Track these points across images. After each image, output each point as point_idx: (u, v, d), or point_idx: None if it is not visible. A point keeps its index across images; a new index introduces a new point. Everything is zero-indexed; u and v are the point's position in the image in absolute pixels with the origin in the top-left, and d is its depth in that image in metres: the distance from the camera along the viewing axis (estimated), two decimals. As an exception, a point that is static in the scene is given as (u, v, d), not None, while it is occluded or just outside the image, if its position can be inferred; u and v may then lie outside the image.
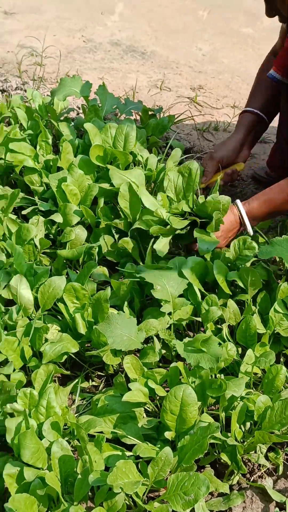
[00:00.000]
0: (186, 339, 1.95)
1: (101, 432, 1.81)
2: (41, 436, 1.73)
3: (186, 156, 3.19)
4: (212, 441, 1.75)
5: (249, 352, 2.00)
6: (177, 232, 2.30)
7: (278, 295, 2.17)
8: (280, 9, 2.37)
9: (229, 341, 2.09)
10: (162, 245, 2.29)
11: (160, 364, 2.11)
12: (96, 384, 2.12)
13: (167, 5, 5.16)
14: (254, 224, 2.47)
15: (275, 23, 2.63)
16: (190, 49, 4.57)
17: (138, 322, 2.15)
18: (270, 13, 2.39)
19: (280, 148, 2.90)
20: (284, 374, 1.90)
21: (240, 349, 2.11)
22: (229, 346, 1.96)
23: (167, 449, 1.64)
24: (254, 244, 2.28)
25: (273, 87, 2.75)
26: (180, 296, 2.17)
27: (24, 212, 2.58)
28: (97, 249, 2.41)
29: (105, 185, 2.55)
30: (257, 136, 2.81)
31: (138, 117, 3.28)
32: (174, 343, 2.05)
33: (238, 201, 2.43)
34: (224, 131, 3.52)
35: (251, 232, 2.44)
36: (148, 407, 1.94)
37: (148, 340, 2.16)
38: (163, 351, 2.14)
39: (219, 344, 1.92)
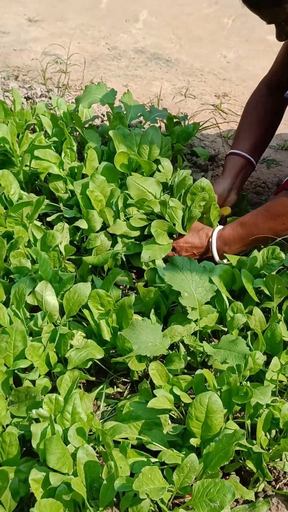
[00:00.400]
0: (212, 344, 1.95)
1: (126, 438, 1.82)
2: (66, 442, 1.74)
3: (211, 162, 3.20)
4: (237, 448, 1.75)
5: (275, 359, 1.99)
6: None
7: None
8: None
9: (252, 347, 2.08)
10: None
11: (186, 371, 2.11)
12: (121, 391, 2.12)
13: (191, 12, 5.17)
14: (228, 251, 2.41)
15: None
16: (215, 57, 4.57)
17: (163, 329, 2.15)
18: (280, 37, 2.35)
19: None
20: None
21: (265, 357, 2.10)
22: (257, 355, 1.95)
23: (193, 455, 1.64)
24: (282, 254, 2.27)
25: (264, 123, 2.72)
26: (207, 303, 2.17)
27: (49, 219, 2.59)
28: (122, 255, 2.41)
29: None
30: (245, 177, 2.73)
31: (163, 125, 3.28)
32: (200, 349, 2.05)
33: (219, 226, 2.45)
34: (248, 138, 3.51)
35: (217, 259, 2.42)
36: (173, 414, 1.94)
37: (173, 346, 2.16)
38: (189, 358, 2.14)
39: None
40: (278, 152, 3.48)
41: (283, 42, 2.67)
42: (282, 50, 2.76)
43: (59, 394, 1.90)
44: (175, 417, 1.95)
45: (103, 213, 2.48)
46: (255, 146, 2.69)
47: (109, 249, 2.43)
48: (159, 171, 2.67)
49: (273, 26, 2.32)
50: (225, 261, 2.40)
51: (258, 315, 2.18)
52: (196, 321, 2.13)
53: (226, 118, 3.76)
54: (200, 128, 3.42)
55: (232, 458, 1.66)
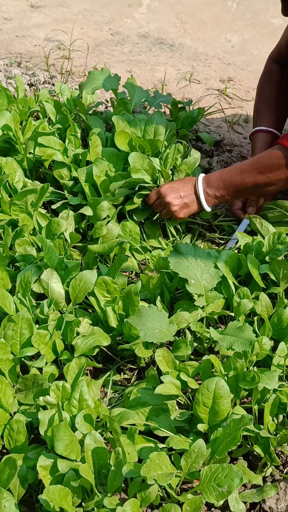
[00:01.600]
0: (219, 330, 1.95)
1: (134, 425, 1.82)
2: (74, 429, 1.74)
3: (216, 148, 3.18)
4: (245, 433, 1.75)
5: (282, 345, 1.99)
6: None
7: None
8: None
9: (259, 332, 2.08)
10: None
11: (192, 357, 2.11)
12: (128, 377, 2.12)
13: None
14: (211, 194, 2.48)
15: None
16: (219, 41, 4.54)
17: (169, 315, 2.15)
18: (286, 11, 2.33)
19: None
20: None
21: (272, 342, 2.10)
22: (264, 340, 1.94)
23: (200, 441, 1.64)
24: None
25: (281, 98, 2.70)
26: (213, 289, 2.16)
27: (54, 207, 2.59)
28: (128, 245, 2.41)
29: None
30: None
31: (168, 110, 3.26)
32: (206, 335, 2.05)
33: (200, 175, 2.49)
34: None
35: (203, 201, 2.47)
36: (180, 400, 1.94)
37: (179, 333, 2.16)
38: (195, 344, 2.14)
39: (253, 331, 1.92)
40: None
41: None
42: None
43: (66, 381, 1.90)
44: (182, 403, 1.95)
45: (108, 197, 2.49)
46: (277, 120, 2.70)
47: (116, 237, 2.42)
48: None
49: (278, 8, 2.29)
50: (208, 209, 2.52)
51: (264, 301, 2.18)
52: (202, 307, 2.13)
53: (231, 103, 3.74)
54: (205, 113, 3.40)
55: (239, 443, 1.67)
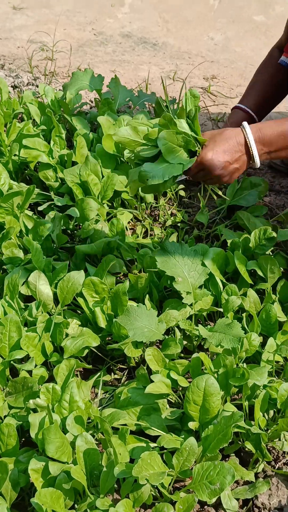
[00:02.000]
0: (208, 327, 1.95)
1: (125, 425, 1.82)
2: (65, 431, 1.74)
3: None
4: (236, 430, 1.75)
5: (270, 340, 1.99)
6: None
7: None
8: None
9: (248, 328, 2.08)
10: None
11: (182, 355, 2.11)
12: (118, 377, 2.12)
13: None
14: (268, 155, 2.20)
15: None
16: (202, 39, 4.54)
17: (159, 314, 2.15)
18: None
19: None
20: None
21: (261, 338, 2.10)
22: (253, 337, 1.94)
23: (192, 439, 1.64)
24: (274, 233, 2.26)
25: (273, 83, 2.65)
26: (201, 286, 2.16)
27: (40, 208, 2.58)
28: (116, 244, 2.40)
29: (122, 178, 2.55)
30: None
31: (152, 109, 3.26)
32: (196, 333, 2.05)
33: (245, 123, 2.15)
34: (238, 119, 3.49)
35: (258, 163, 2.18)
36: (171, 398, 1.94)
37: (169, 331, 2.16)
38: (185, 342, 2.14)
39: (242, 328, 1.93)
40: None
41: None
42: None
43: (56, 383, 1.89)
44: (173, 402, 1.95)
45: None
46: (260, 103, 2.61)
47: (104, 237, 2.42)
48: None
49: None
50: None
51: (252, 297, 2.18)
52: (191, 305, 2.13)
53: (215, 100, 3.74)
54: (189, 111, 3.40)
55: (231, 440, 1.66)
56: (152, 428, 1.82)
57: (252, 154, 2.14)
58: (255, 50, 4.32)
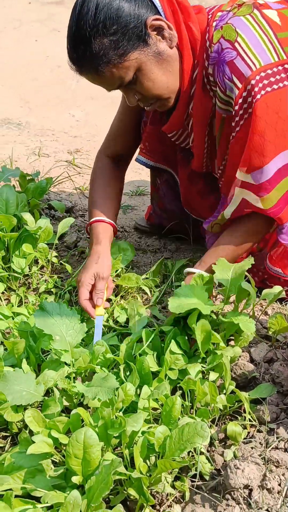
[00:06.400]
0: (87, 383, 2.01)
1: (10, 489, 1.82)
2: None
3: (69, 214, 3.30)
4: (117, 477, 1.80)
5: (145, 388, 2.07)
6: None
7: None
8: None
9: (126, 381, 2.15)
10: None
11: (64, 414, 2.14)
12: (2, 445, 2.11)
13: (37, 77, 5.34)
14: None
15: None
16: (64, 116, 4.74)
17: (37, 376, 2.18)
18: (131, 99, 2.35)
19: (155, 213, 3.05)
20: (180, 405, 1.97)
21: (139, 390, 2.17)
22: (128, 387, 2.02)
23: (75, 491, 1.67)
24: None
25: (115, 189, 2.81)
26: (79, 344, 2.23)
27: None
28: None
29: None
30: None
31: (18, 184, 3.36)
32: (75, 391, 2.10)
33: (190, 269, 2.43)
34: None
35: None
36: (55, 458, 1.96)
37: (49, 392, 2.19)
38: (67, 402, 2.18)
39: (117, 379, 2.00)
40: (132, 197, 3.65)
41: (119, 111, 2.81)
42: (117, 119, 2.86)
43: None
44: (58, 461, 1.97)
45: None
46: (113, 213, 2.75)
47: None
48: (19, 227, 2.74)
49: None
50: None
51: (124, 351, 2.27)
52: (68, 364, 2.19)
53: (80, 172, 3.91)
54: (55, 182, 3.55)
55: (116, 491, 1.71)
56: (38, 489, 1.83)
57: None
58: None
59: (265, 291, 2.40)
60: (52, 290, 2.73)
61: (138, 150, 2.85)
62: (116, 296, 2.69)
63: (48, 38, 6.06)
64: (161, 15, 2.22)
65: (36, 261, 2.85)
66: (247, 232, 2.42)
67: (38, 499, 1.82)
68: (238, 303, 2.35)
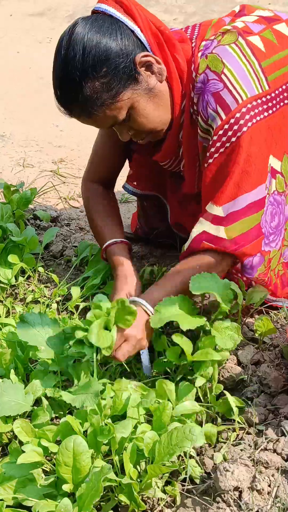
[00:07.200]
0: (72, 389, 2.02)
1: (1, 500, 1.82)
2: None
3: (54, 223, 3.31)
4: (107, 483, 1.80)
5: (133, 395, 2.08)
6: None
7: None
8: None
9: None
10: None
11: (51, 423, 2.15)
12: (-8, 457, 2.12)
13: (20, 89, 5.35)
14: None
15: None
16: (48, 127, 4.75)
17: (26, 386, 2.19)
18: (125, 135, 2.35)
19: (141, 229, 3.06)
20: (171, 410, 1.99)
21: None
22: (124, 395, 2.02)
23: (65, 499, 1.69)
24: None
25: (114, 210, 2.81)
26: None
27: None
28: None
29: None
30: None
31: (2, 195, 3.37)
32: (62, 399, 2.10)
33: (143, 302, 2.26)
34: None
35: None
36: (45, 467, 1.97)
37: (38, 402, 2.20)
38: (55, 415, 2.19)
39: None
40: (120, 204, 3.67)
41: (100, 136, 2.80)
42: (100, 143, 2.83)
43: None
44: (49, 470, 1.98)
45: None
46: (122, 230, 2.74)
47: None
48: (5, 238, 2.75)
49: None
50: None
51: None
52: (56, 372, 2.19)
53: (65, 181, 3.92)
54: (39, 193, 3.56)
55: (108, 497, 1.71)
56: (29, 498, 1.84)
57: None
58: (97, 131, 4.57)
59: (249, 292, 2.41)
60: (39, 299, 2.74)
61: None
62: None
63: (31, 50, 6.07)
64: (147, 50, 2.22)
65: (22, 271, 2.86)
66: (199, 264, 2.30)
67: (29, 509, 1.83)
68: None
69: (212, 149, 2.23)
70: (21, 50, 6.09)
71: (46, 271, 2.89)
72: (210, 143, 2.24)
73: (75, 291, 2.69)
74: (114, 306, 2.14)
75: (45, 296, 2.78)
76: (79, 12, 6.88)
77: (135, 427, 1.98)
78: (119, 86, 2.16)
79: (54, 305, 2.70)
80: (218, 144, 2.22)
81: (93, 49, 2.10)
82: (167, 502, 1.93)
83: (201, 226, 2.29)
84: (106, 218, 2.74)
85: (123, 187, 2.84)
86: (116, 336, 2.14)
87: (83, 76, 2.11)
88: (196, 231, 2.31)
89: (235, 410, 2.11)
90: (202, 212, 2.33)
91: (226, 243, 2.27)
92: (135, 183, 2.79)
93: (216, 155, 2.23)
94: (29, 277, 2.86)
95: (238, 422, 2.12)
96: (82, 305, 2.67)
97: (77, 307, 2.68)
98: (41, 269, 2.87)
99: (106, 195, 2.83)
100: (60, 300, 2.74)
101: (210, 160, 2.25)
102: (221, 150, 2.22)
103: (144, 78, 2.21)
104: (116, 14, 2.17)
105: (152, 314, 2.22)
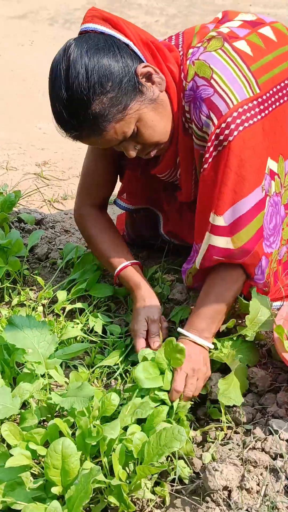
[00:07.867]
0: (60, 391, 2.02)
1: (-9, 504, 1.82)
2: None
3: (39, 226, 3.30)
4: (97, 485, 1.80)
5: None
6: None
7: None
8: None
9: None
10: None
11: (39, 426, 2.14)
12: (-20, 461, 2.10)
13: (2, 92, 5.33)
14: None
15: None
16: (31, 130, 4.74)
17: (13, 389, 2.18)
18: (132, 151, 2.31)
19: (129, 236, 3.04)
20: (165, 414, 2.03)
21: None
22: (112, 396, 2.01)
23: (55, 502, 1.68)
24: None
25: (116, 234, 2.79)
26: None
27: None
28: None
29: None
30: None
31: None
32: (51, 402, 2.10)
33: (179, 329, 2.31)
34: (73, 198, 3.66)
35: (212, 346, 2.32)
36: (34, 470, 1.96)
37: (25, 405, 2.19)
38: (43, 415, 2.18)
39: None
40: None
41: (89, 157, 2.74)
42: (92, 165, 2.75)
43: None
44: (37, 473, 1.97)
45: None
46: (128, 250, 2.73)
47: None
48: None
49: None
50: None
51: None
52: (43, 375, 2.19)
53: (48, 183, 3.92)
54: (23, 195, 3.55)
55: (97, 499, 1.71)
56: (18, 502, 1.83)
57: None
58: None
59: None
60: (25, 302, 2.73)
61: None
62: (89, 306, 2.70)
63: (12, 52, 6.06)
64: (144, 62, 2.21)
65: (7, 274, 2.85)
66: (224, 280, 2.34)
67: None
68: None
69: (207, 155, 2.23)
70: (2, 53, 6.07)
71: (31, 274, 2.89)
72: (206, 150, 2.24)
73: (61, 294, 2.69)
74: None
75: (30, 299, 2.77)
76: (60, 15, 6.89)
77: (125, 428, 1.98)
78: (126, 99, 2.14)
79: (40, 308, 2.70)
80: (211, 149, 2.22)
81: (95, 66, 2.08)
82: (156, 502, 1.93)
83: (209, 240, 2.28)
84: (111, 244, 2.71)
85: (115, 203, 2.81)
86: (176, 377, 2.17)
87: (90, 94, 2.09)
88: (204, 246, 2.30)
89: (223, 409, 2.11)
90: (198, 220, 2.33)
91: (235, 255, 2.28)
92: (127, 198, 2.77)
93: (210, 160, 2.23)
94: (14, 280, 2.84)
95: (226, 422, 2.13)
96: (68, 307, 2.67)
97: (63, 309, 2.68)
98: (26, 272, 2.86)
99: (104, 218, 2.81)
100: (46, 303, 2.73)
101: (205, 166, 2.24)
102: (214, 154, 2.22)
103: (147, 89, 2.20)
104: (106, 31, 2.17)
105: (200, 344, 2.27)
